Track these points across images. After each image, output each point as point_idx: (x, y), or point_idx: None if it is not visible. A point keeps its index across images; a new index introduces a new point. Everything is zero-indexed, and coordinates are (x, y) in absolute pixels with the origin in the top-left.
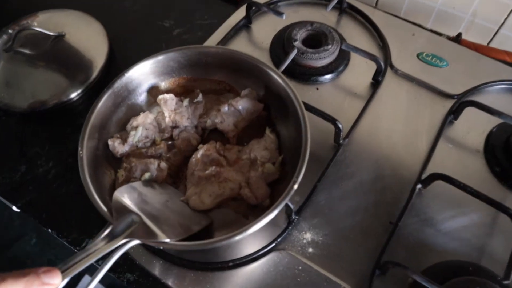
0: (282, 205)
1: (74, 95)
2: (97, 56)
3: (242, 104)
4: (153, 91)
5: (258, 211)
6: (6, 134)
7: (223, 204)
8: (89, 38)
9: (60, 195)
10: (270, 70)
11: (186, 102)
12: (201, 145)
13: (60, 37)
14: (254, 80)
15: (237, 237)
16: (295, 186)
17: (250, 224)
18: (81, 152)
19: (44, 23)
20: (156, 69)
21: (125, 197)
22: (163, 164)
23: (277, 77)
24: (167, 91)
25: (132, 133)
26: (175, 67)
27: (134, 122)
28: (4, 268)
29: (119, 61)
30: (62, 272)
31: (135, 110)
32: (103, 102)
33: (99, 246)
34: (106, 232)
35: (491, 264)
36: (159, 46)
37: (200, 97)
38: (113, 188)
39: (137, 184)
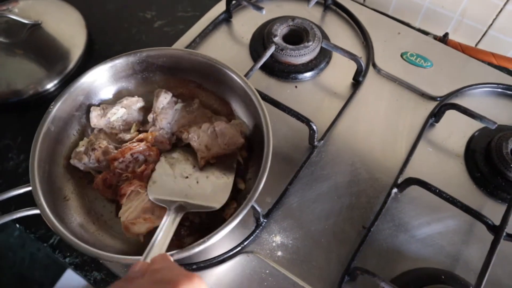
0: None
1: (50, 85)
2: (74, 46)
3: (222, 129)
4: (166, 83)
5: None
6: None
7: None
8: (67, 27)
9: None
10: (254, 98)
11: (178, 106)
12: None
13: (36, 26)
14: (246, 112)
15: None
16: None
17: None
18: (52, 107)
19: (25, 10)
20: (171, 65)
21: (161, 194)
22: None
23: (257, 103)
24: (175, 87)
25: (114, 111)
26: (187, 67)
27: (125, 101)
28: None
29: (98, 52)
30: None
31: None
32: (101, 70)
33: (166, 225)
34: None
35: (465, 273)
36: (139, 38)
37: (195, 107)
38: (71, 152)
39: (155, 175)
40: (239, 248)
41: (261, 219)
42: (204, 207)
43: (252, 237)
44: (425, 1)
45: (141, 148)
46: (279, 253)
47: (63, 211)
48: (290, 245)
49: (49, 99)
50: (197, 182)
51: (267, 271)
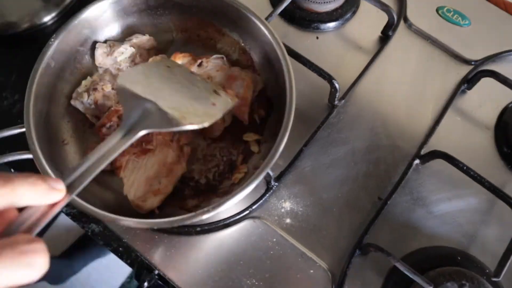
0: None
1: (47, 18)
2: None
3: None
4: (182, 23)
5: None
6: None
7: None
8: None
9: None
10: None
11: (214, 57)
12: None
13: None
14: (266, 64)
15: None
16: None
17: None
18: (53, 39)
19: None
20: (190, 3)
21: (131, 82)
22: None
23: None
24: (193, 29)
25: (122, 50)
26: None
27: (134, 39)
28: None
29: None
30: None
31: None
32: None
33: (113, 142)
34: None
35: (482, 255)
36: None
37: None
38: (70, 97)
39: (141, 66)
40: (246, 212)
41: (272, 182)
42: (170, 122)
43: (260, 201)
44: None
45: None
46: (288, 220)
47: (59, 156)
48: (300, 213)
49: (46, 33)
50: (180, 86)
51: (274, 239)
